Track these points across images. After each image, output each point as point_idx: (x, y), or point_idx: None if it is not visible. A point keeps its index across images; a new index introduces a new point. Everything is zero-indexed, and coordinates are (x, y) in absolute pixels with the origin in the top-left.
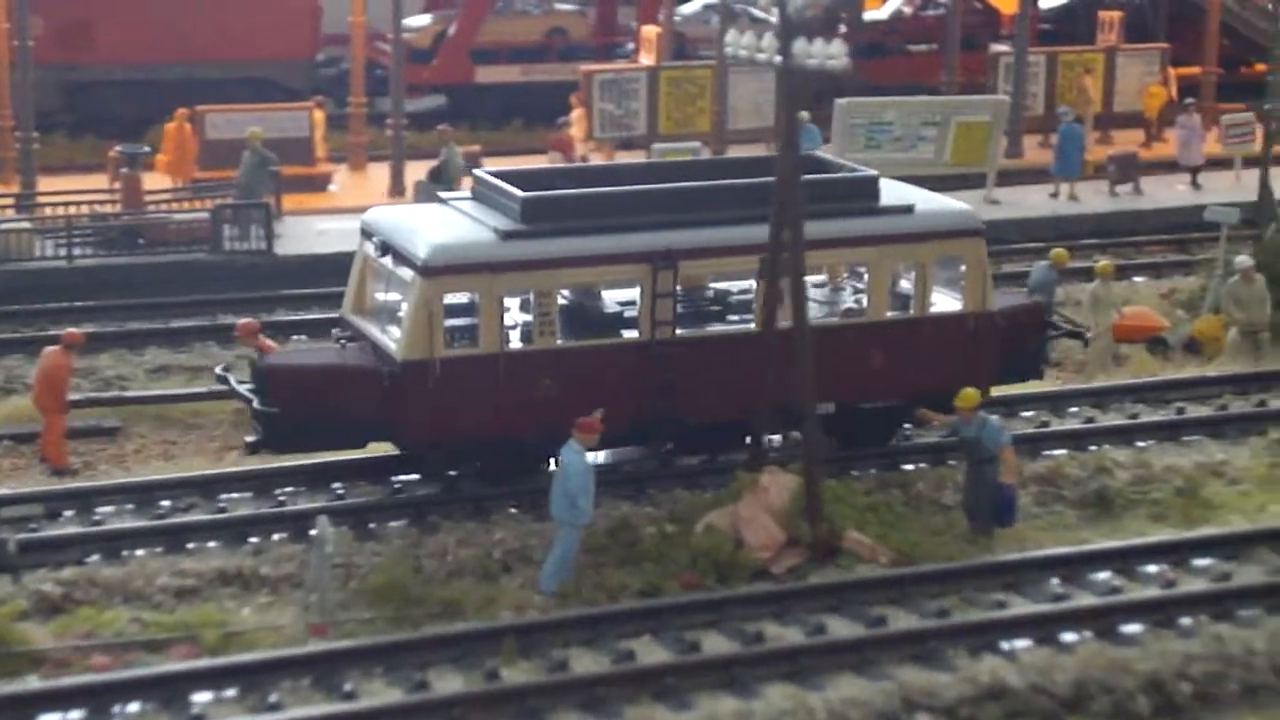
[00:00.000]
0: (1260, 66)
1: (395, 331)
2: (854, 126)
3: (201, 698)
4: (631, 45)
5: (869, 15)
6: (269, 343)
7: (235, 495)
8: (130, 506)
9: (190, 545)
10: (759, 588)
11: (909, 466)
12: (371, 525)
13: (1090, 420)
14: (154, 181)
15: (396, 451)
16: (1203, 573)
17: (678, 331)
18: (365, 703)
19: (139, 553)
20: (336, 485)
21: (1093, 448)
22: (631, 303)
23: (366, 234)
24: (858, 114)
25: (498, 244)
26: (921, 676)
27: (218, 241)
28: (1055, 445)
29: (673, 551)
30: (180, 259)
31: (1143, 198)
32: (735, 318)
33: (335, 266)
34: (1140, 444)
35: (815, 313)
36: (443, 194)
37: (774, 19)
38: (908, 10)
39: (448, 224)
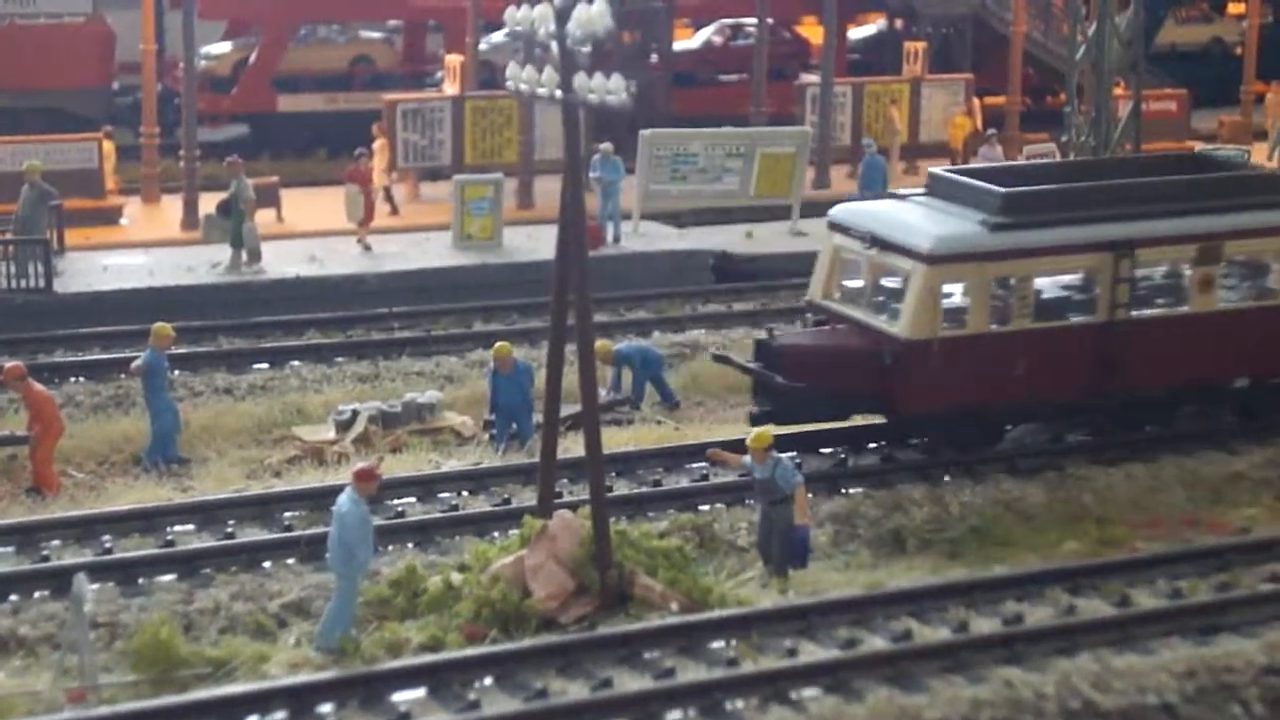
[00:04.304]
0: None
1: (884, 316)
2: (659, 158)
3: None
4: (442, 74)
5: (680, 45)
6: (38, 387)
7: None
8: None
9: None
10: (544, 640)
11: (705, 507)
12: (140, 580)
13: (888, 458)
14: None
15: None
16: (995, 614)
17: (1131, 313)
18: None
19: None
20: (105, 537)
21: (891, 485)
22: (1075, 287)
23: (838, 228)
24: (662, 145)
25: (987, 235)
26: None
27: None
28: (853, 483)
29: (458, 603)
30: None
31: None
32: (1166, 300)
33: (119, 304)
34: (937, 481)
35: (1229, 296)
36: (899, 190)
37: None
38: (719, 41)
39: (933, 219)
